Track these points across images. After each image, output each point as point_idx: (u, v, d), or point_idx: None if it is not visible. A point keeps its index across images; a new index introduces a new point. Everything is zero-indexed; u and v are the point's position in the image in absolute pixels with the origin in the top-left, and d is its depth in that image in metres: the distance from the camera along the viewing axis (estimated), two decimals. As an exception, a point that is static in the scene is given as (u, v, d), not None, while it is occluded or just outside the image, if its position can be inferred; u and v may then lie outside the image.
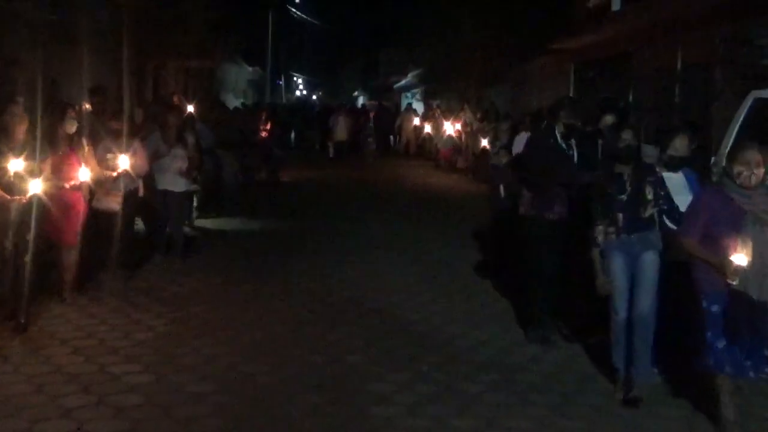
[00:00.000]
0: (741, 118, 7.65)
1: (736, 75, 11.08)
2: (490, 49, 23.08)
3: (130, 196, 8.33)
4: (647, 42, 15.18)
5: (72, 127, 7.36)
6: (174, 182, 9.27)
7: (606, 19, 16.48)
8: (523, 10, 21.36)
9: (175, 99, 16.42)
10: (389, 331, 7.01)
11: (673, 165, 5.90)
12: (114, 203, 8.04)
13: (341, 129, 25.75)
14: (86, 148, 7.57)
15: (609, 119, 6.89)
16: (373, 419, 5.14)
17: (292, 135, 29.43)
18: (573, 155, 6.77)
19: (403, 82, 43.61)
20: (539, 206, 6.77)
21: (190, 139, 9.53)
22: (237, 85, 39.07)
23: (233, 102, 28.67)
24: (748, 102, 7.73)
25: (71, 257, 7.46)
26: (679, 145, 5.91)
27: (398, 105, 39.98)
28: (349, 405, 5.34)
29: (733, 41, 11.49)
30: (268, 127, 18.85)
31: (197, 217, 12.06)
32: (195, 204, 12.03)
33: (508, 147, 8.98)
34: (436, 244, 11.20)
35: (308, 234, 11.89)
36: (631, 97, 15.51)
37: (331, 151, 25.97)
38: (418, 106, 34.18)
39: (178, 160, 9.20)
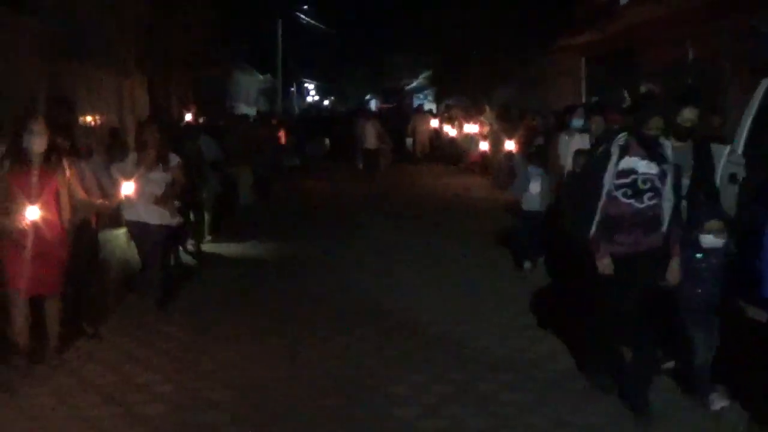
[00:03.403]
0: (756, 106, 7.65)
1: (745, 66, 11.07)
2: (498, 47, 22.97)
3: (81, 230, 6.74)
4: (655, 36, 15.17)
5: (40, 144, 5.86)
6: (149, 213, 7.54)
7: (613, 14, 16.49)
8: (531, 6, 21.31)
9: (192, 110, 16.43)
10: (405, 334, 7.05)
11: None
12: None
13: (370, 136, 21.81)
14: (68, 171, 6.08)
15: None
16: (393, 421, 5.20)
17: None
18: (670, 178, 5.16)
19: (414, 83, 43.65)
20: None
21: (174, 160, 7.69)
22: (249, 93, 39.27)
23: (246, 111, 28.68)
24: (761, 89, 7.74)
25: (54, 308, 6.22)
26: None
27: (410, 106, 39.84)
28: (368, 408, 5.39)
29: (740, 33, 11.49)
30: (283, 136, 18.29)
31: (210, 240, 11.24)
32: (206, 226, 11.15)
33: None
34: (451, 247, 11.14)
35: (322, 244, 11.71)
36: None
37: (360, 162, 22.10)
38: (431, 108, 34.00)
39: (151, 186, 7.47)
